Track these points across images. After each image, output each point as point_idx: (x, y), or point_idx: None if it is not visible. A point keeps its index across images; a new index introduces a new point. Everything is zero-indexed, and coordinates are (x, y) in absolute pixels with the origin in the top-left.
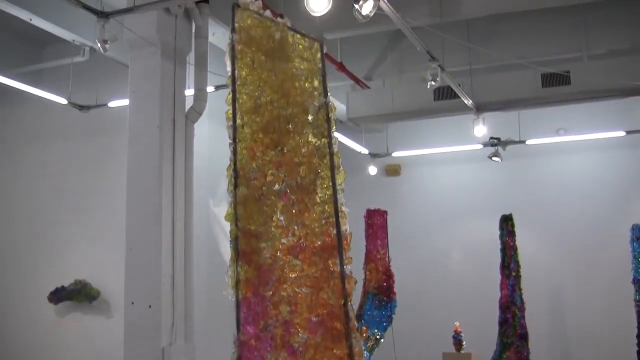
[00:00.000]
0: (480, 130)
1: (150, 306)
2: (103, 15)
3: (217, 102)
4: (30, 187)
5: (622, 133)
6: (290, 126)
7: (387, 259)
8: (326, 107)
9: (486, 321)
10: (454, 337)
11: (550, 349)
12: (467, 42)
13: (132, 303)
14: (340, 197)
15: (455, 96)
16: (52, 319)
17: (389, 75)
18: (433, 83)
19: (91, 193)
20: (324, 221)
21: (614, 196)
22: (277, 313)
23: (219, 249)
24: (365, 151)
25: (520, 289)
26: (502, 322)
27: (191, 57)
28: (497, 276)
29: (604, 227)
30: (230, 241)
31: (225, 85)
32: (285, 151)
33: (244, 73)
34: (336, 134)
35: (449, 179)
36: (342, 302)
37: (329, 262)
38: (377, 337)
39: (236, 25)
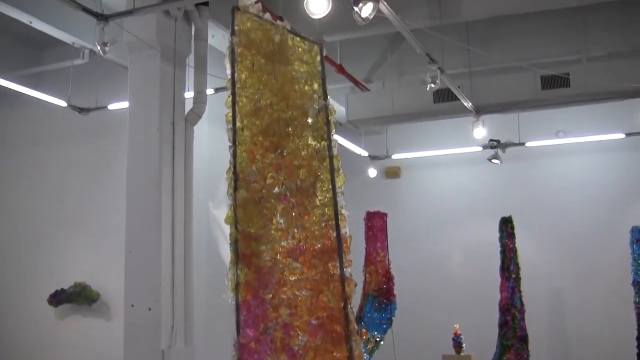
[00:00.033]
0: (480, 132)
1: (150, 309)
2: (103, 17)
3: (217, 105)
4: (30, 189)
5: (622, 135)
6: (290, 129)
7: (387, 261)
8: (326, 109)
9: (486, 323)
10: (453, 339)
11: (550, 351)
12: (466, 44)
13: (132, 306)
14: (340, 200)
15: (455, 98)
16: (52, 321)
17: (389, 77)
18: (432, 85)
19: (91, 195)
20: (323, 224)
21: (614, 198)
22: (277, 316)
23: (218, 252)
24: (365, 153)
25: (520, 291)
26: (502, 325)
27: (191, 60)
28: (496, 278)
29: (604, 229)
30: (230, 244)
31: (225, 87)
32: (285, 154)
33: (243, 76)
34: (336, 137)
35: (448, 182)
36: (342, 305)
37: (329, 264)
38: (377, 339)
39: (236, 28)
